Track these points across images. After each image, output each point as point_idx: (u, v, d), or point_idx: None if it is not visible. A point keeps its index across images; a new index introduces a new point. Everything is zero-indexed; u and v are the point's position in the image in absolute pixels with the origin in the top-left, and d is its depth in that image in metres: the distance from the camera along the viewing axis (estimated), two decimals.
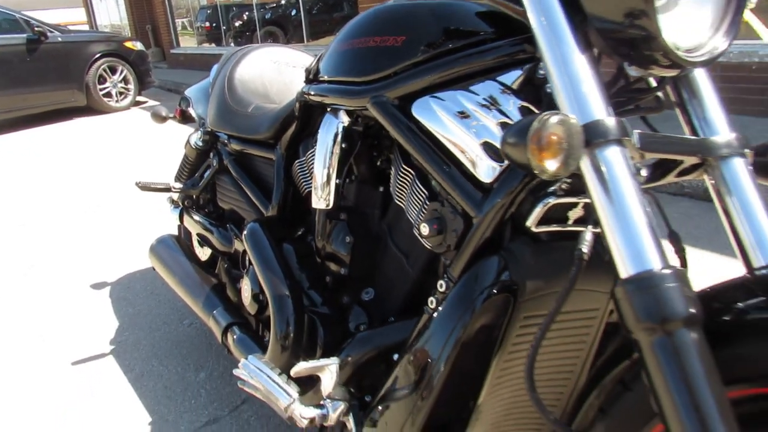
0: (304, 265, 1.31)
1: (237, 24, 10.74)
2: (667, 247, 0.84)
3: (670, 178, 0.87)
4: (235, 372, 1.13)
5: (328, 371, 1.01)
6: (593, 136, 0.70)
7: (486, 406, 0.99)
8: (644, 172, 0.87)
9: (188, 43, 12.48)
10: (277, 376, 1.10)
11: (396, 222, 1.19)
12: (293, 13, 8.80)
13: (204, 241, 1.87)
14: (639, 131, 0.75)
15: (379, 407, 0.98)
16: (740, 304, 0.68)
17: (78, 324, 2.29)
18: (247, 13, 10.29)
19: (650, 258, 0.66)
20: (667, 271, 0.65)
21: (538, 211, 0.88)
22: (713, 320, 0.67)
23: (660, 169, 0.87)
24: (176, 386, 1.85)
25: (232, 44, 10.66)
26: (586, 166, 0.71)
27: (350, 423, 1.05)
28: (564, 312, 0.91)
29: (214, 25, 11.45)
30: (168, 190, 1.95)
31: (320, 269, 1.30)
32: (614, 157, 0.70)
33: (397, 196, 1.13)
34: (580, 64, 0.74)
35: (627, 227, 0.68)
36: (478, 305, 0.87)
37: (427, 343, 0.92)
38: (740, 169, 0.83)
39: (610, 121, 0.71)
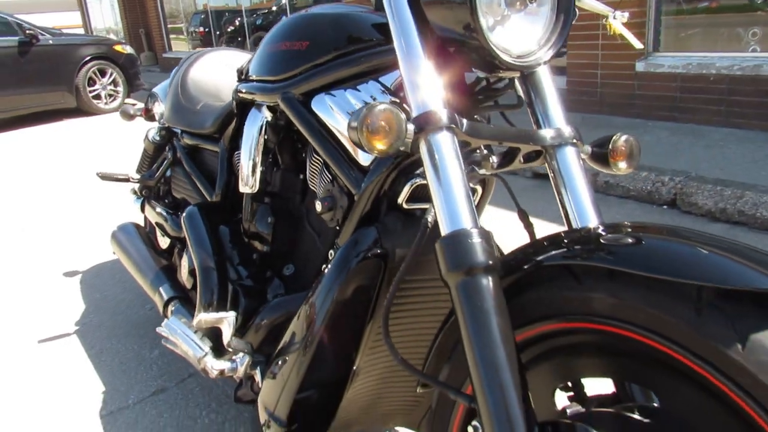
0: (234, 244, 1.46)
1: (229, 29, 10.93)
2: (517, 222, 1.01)
3: (516, 164, 1.03)
4: (158, 330, 1.29)
5: (227, 323, 1.17)
6: (426, 124, 0.86)
7: (364, 369, 1.14)
8: (495, 159, 1.03)
9: (183, 48, 12.67)
10: (193, 333, 1.25)
11: (311, 205, 1.35)
12: (282, 18, 8.97)
13: (160, 228, 2.02)
14: (468, 121, 0.90)
15: (277, 361, 1.14)
16: (545, 256, 0.80)
17: (47, 307, 2.44)
18: (238, 18, 10.48)
19: (463, 220, 0.82)
20: (474, 231, 0.80)
21: (406, 190, 1.05)
22: (522, 269, 0.81)
23: (508, 157, 1.03)
24: (131, 362, 2.00)
25: None
26: (422, 149, 0.87)
27: (257, 376, 1.21)
28: (425, 279, 1.07)
29: (207, 30, 11.64)
30: (127, 180, 2.10)
31: (247, 248, 1.46)
32: (444, 141, 0.86)
33: (310, 181, 1.29)
34: (424, 66, 0.90)
35: (449, 196, 0.83)
36: (352, 268, 1.03)
37: (311, 304, 1.07)
38: (570, 156, 0.98)
39: (442, 112, 0.87)
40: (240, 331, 1.22)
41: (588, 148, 1.04)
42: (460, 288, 0.78)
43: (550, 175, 1.01)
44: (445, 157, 0.85)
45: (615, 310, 0.70)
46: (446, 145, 0.86)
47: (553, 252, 0.79)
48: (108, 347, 2.10)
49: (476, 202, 1.13)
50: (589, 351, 0.80)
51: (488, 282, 0.78)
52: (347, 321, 1.07)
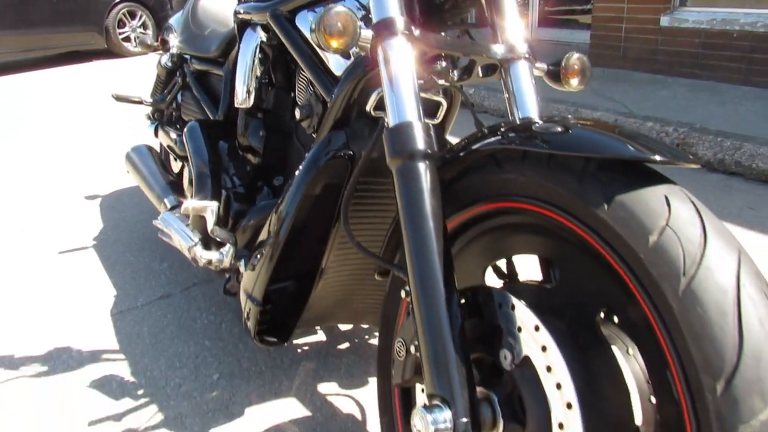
0: (230, 157, 1.59)
1: None
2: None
3: (475, 78, 1.12)
4: (154, 222, 1.43)
5: (210, 210, 1.30)
6: (383, 29, 0.95)
7: (333, 266, 1.26)
8: (456, 72, 1.12)
9: None
10: (185, 226, 1.39)
11: (300, 121, 1.46)
12: None
13: (171, 151, 2.16)
14: (424, 31, 0.99)
15: (256, 254, 1.27)
16: (478, 145, 0.87)
17: (68, 225, 2.63)
18: None
19: (408, 114, 0.92)
20: (417, 123, 0.90)
21: (373, 98, 1.14)
22: (457, 158, 0.91)
23: (467, 70, 1.12)
24: (141, 272, 2.17)
25: None
26: (378, 52, 0.97)
27: (242, 267, 1.34)
28: (387, 180, 1.18)
29: None
30: (140, 102, 2.24)
31: (242, 160, 1.58)
32: (398, 46, 0.95)
33: (298, 97, 1.40)
34: None
35: (398, 93, 0.93)
36: (321, 166, 1.14)
37: (284, 200, 1.19)
38: (523, 69, 1.07)
39: (399, 20, 0.96)
40: (225, 224, 1.35)
41: (543, 66, 1.13)
42: (399, 172, 0.89)
43: (504, 90, 1.09)
44: (398, 60, 0.95)
45: (524, 188, 0.81)
46: (400, 49, 0.95)
47: (485, 141, 0.88)
48: (122, 259, 2.28)
49: (443, 115, 1.22)
50: (511, 230, 0.91)
51: (425, 167, 0.88)
52: (316, 217, 1.19)
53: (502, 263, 1.03)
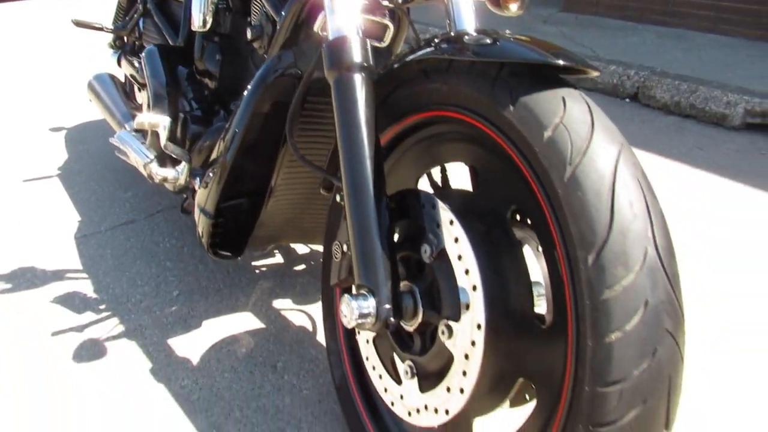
0: (188, 81, 1.61)
1: None
2: None
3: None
4: (110, 140, 1.47)
5: (162, 125, 1.34)
6: None
7: (283, 185, 1.32)
8: None
9: None
10: (140, 144, 1.43)
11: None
12: None
13: (133, 79, 2.16)
14: None
15: (209, 172, 1.32)
16: (411, 57, 0.92)
17: (33, 155, 2.63)
18: None
19: (346, 29, 0.96)
20: (354, 38, 0.95)
21: (320, 18, 1.18)
22: (392, 70, 0.96)
23: None
24: (106, 200, 2.21)
25: None
26: None
27: (197, 185, 1.40)
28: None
29: None
30: (101, 29, 2.22)
31: (199, 85, 1.61)
32: None
33: (252, 19, 1.42)
34: None
35: (338, 8, 0.97)
36: (269, 84, 1.18)
37: (234, 118, 1.23)
38: None
39: None
40: (180, 143, 1.40)
41: None
42: (336, 83, 0.94)
43: (445, 17, 1.13)
44: None
45: (447, 97, 0.87)
46: None
47: (417, 53, 0.93)
48: (86, 188, 2.31)
49: (390, 39, 1.26)
50: (440, 140, 0.98)
51: (361, 79, 0.93)
52: (264, 135, 1.24)
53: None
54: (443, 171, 1.07)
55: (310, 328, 1.52)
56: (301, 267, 1.78)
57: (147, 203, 2.17)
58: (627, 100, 3.08)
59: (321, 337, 1.47)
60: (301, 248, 1.87)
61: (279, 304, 1.61)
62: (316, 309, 1.58)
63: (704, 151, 2.47)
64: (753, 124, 2.64)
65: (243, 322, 1.54)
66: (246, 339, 1.48)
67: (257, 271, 1.75)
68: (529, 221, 0.89)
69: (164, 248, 1.88)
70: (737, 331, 1.52)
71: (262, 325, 1.53)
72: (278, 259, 1.82)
